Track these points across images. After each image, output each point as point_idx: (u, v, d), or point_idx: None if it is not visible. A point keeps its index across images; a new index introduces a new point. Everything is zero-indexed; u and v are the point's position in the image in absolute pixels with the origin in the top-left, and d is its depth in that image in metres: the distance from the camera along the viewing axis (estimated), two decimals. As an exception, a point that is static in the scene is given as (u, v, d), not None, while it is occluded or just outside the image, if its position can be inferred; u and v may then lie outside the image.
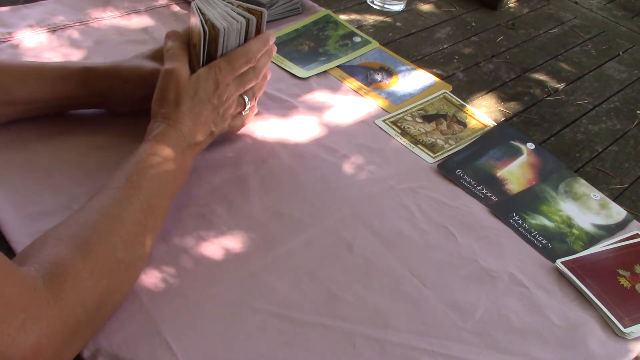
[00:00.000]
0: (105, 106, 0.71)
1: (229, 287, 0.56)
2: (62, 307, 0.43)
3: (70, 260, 0.46)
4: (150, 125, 0.61)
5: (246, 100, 0.68)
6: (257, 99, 0.71)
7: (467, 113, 0.85)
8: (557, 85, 1.17)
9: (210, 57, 0.64)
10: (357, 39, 0.98)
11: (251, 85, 0.67)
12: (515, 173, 0.76)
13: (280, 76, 0.87)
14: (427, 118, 0.83)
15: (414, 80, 0.91)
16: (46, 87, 0.65)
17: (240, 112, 0.69)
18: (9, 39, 0.82)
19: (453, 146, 0.79)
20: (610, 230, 0.70)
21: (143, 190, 0.54)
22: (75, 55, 0.82)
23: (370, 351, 0.53)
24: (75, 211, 0.52)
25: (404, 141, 0.79)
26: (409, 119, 0.83)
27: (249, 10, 0.65)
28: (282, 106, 0.81)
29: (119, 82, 0.67)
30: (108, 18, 0.92)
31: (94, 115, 0.73)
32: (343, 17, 1.09)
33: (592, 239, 0.69)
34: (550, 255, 0.66)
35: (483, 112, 0.91)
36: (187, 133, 0.60)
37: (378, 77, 0.91)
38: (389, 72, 0.92)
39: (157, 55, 0.69)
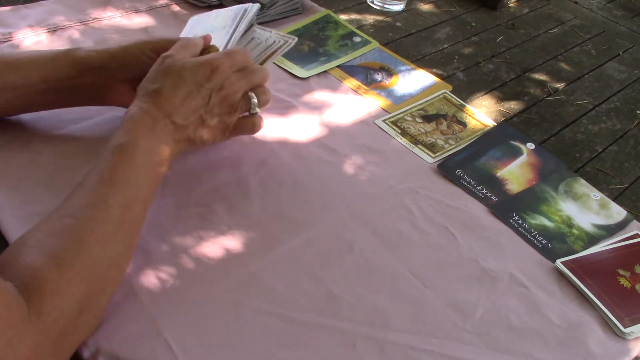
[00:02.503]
0: (97, 91, 0.67)
1: (229, 287, 0.56)
2: (44, 321, 0.42)
3: (46, 271, 0.44)
4: (131, 106, 0.58)
5: (253, 98, 0.64)
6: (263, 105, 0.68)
7: (467, 113, 0.85)
8: (557, 85, 1.17)
9: None
10: (357, 39, 0.98)
11: (258, 82, 0.65)
12: (515, 173, 0.76)
13: (280, 76, 0.87)
14: (427, 118, 0.83)
15: (414, 80, 0.91)
16: (38, 69, 0.64)
17: (249, 113, 0.65)
18: (9, 38, 0.82)
19: (453, 146, 0.79)
20: (610, 230, 0.70)
21: (119, 185, 0.52)
22: (75, 55, 0.82)
23: (370, 351, 0.53)
24: (48, 215, 0.50)
25: (404, 141, 0.79)
26: (409, 119, 0.83)
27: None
28: (282, 106, 0.81)
29: (113, 62, 0.66)
30: (108, 18, 0.92)
31: (94, 114, 0.73)
32: (343, 17, 1.09)
33: (592, 239, 0.69)
34: (550, 255, 0.66)
35: (483, 112, 0.91)
36: (170, 111, 0.57)
37: (378, 77, 0.91)
38: (389, 72, 0.92)
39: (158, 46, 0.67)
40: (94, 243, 0.49)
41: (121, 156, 0.54)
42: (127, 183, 0.53)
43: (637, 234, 0.69)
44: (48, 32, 0.86)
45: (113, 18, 0.92)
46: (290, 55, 0.91)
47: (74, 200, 0.51)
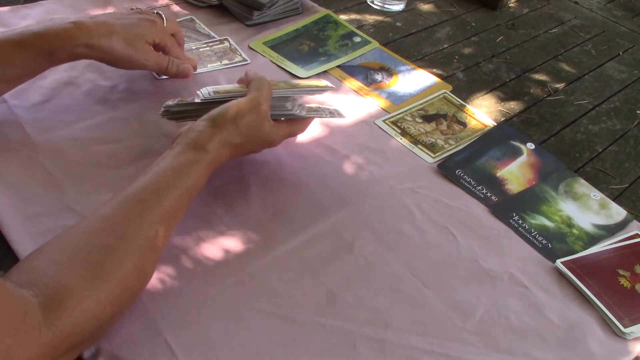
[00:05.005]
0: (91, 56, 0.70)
1: (229, 287, 0.56)
2: (55, 335, 0.41)
3: (77, 287, 0.44)
4: (201, 128, 0.59)
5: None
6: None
7: (467, 113, 0.85)
8: (557, 85, 1.17)
9: None
10: (357, 39, 0.98)
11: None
12: (515, 173, 0.76)
13: (280, 76, 0.87)
14: (427, 118, 0.83)
15: (414, 80, 0.91)
16: (30, 63, 0.65)
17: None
18: (9, 39, 0.82)
19: (453, 146, 0.79)
20: (610, 230, 0.70)
21: (163, 208, 0.52)
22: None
23: (370, 351, 0.53)
24: (89, 226, 0.49)
25: (404, 141, 0.79)
26: (409, 119, 0.83)
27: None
28: (282, 106, 0.81)
29: (105, 33, 0.68)
30: (108, 18, 0.91)
31: (94, 112, 0.73)
32: (343, 17, 1.09)
33: (592, 239, 0.69)
34: (550, 255, 0.66)
35: (483, 112, 0.91)
36: (225, 157, 0.61)
37: (378, 77, 0.91)
38: (389, 72, 0.92)
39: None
40: (133, 269, 0.48)
41: (177, 177, 0.55)
42: (172, 205, 0.53)
43: (637, 234, 0.69)
44: (48, 32, 0.85)
45: (113, 18, 0.92)
46: (290, 55, 0.91)
47: (120, 217, 0.50)
